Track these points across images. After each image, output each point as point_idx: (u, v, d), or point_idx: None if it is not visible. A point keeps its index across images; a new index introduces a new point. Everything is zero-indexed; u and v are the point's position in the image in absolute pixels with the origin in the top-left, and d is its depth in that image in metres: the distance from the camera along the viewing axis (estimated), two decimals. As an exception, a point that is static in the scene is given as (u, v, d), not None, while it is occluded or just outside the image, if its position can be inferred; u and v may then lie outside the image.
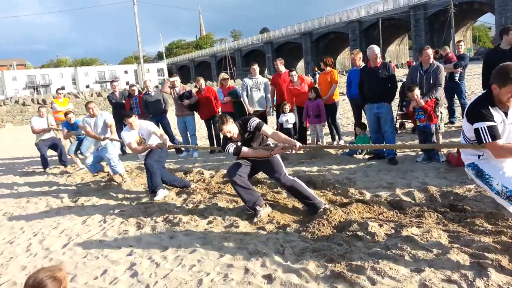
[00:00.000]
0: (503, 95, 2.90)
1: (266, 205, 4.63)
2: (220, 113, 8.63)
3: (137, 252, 3.98)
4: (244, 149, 4.39)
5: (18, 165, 10.08)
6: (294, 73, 8.00)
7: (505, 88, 2.86)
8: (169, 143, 5.87)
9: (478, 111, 2.97)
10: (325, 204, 4.57)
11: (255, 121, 4.37)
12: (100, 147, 7.15)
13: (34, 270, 3.44)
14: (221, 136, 4.66)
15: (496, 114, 2.97)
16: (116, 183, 7.02)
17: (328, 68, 8.21)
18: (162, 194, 5.75)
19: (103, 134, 7.14)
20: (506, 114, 3.00)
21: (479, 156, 3.19)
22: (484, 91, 3.09)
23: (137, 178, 7.24)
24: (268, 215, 4.54)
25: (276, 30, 75.43)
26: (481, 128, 2.93)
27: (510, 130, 3.03)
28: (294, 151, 4.22)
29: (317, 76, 22.03)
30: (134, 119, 5.89)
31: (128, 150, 9.78)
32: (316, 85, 8.98)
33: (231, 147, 4.38)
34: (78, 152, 8.58)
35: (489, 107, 2.96)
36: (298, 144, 4.17)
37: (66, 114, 8.27)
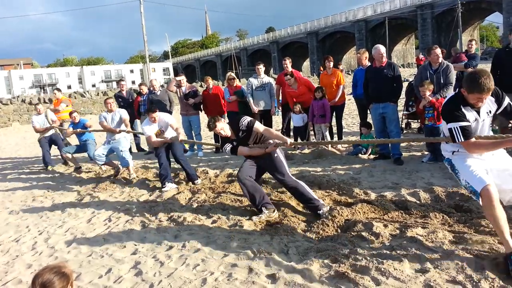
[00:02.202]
0: (470, 100, 3.01)
1: (274, 211, 4.58)
2: (226, 112, 8.69)
3: (142, 251, 4.00)
4: (241, 148, 4.55)
5: (24, 164, 10.14)
6: (288, 77, 7.99)
7: (471, 95, 2.97)
8: (181, 137, 6.21)
9: (450, 112, 3.07)
10: (327, 206, 4.55)
11: (246, 119, 4.47)
12: (112, 140, 7.38)
13: (39, 268, 3.46)
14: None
15: (469, 113, 3.06)
16: (122, 180, 7.07)
17: (332, 68, 8.17)
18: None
19: (118, 128, 7.40)
20: (478, 112, 3.09)
21: (453, 152, 3.30)
22: (457, 91, 3.17)
23: (142, 176, 7.25)
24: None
25: (282, 29, 75.04)
26: (454, 128, 3.04)
27: (483, 126, 3.15)
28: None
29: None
30: (157, 114, 6.24)
31: (134, 149, 9.85)
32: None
33: (228, 147, 4.64)
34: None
35: (461, 107, 3.05)
36: (289, 140, 4.31)
37: (70, 113, 8.31)
